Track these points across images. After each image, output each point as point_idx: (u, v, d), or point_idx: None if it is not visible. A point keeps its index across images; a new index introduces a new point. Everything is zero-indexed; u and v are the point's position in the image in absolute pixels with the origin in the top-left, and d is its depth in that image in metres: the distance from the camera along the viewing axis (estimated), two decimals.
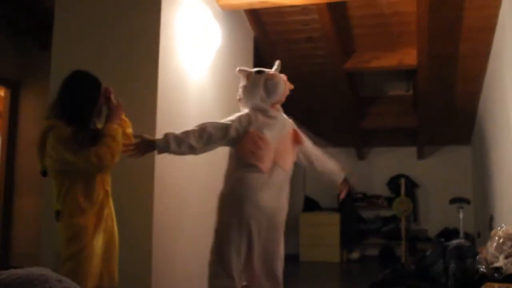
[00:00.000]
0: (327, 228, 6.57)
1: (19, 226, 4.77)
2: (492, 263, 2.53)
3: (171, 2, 3.18)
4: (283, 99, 2.61)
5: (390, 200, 6.65)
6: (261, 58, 4.78)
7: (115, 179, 2.38)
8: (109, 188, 2.31)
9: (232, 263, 2.40)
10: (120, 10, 3.13)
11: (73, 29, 3.20)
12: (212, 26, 3.70)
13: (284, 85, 2.58)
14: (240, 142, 2.46)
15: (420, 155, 6.82)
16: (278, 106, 2.59)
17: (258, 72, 2.56)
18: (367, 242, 6.77)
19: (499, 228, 2.78)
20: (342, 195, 2.97)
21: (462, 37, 4.54)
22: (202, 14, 3.60)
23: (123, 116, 2.41)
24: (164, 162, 2.95)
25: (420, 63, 4.82)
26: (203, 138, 2.39)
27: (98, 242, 2.21)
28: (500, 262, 2.49)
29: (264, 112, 2.51)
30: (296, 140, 2.59)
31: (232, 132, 2.44)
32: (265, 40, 4.88)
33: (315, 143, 2.75)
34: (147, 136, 2.42)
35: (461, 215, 5.13)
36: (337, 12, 4.52)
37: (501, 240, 2.62)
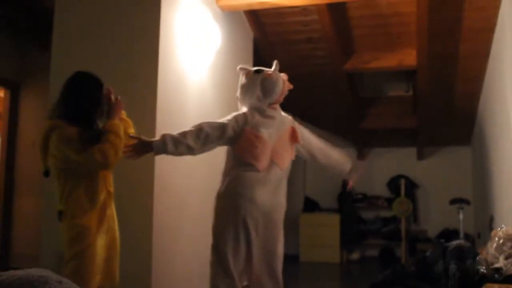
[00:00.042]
0: (327, 229, 6.57)
1: (19, 227, 4.76)
2: (492, 263, 2.53)
3: (171, 3, 3.19)
4: (281, 99, 2.60)
5: (390, 201, 6.65)
6: (260, 59, 4.78)
7: (115, 180, 2.38)
8: (111, 189, 2.32)
9: (231, 262, 2.40)
10: (120, 10, 3.13)
11: (73, 29, 3.20)
12: (211, 27, 3.70)
13: (282, 85, 2.57)
14: (237, 141, 2.47)
15: (420, 156, 6.82)
16: (276, 106, 2.58)
17: (256, 71, 2.56)
18: (367, 242, 6.77)
19: (499, 229, 2.77)
20: (351, 184, 2.90)
21: (462, 37, 4.54)
22: (201, 14, 3.60)
23: (125, 116, 2.42)
24: (164, 162, 2.95)
25: (420, 63, 4.82)
26: (201, 138, 2.40)
27: (101, 242, 2.22)
28: (500, 263, 2.49)
29: (261, 112, 2.51)
30: (293, 138, 2.57)
31: (229, 131, 2.44)
32: (264, 41, 4.88)
33: (319, 135, 2.72)
34: (144, 137, 2.42)
35: (461, 216, 5.13)
36: (337, 13, 4.52)
37: (501, 241, 2.62)
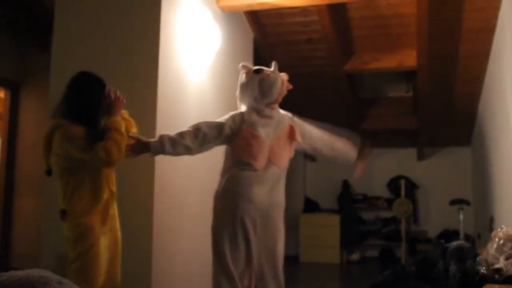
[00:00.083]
0: (327, 229, 6.57)
1: (19, 227, 4.76)
2: (492, 264, 2.53)
3: (171, 3, 3.19)
4: (280, 99, 2.60)
5: (390, 202, 6.65)
6: (260, 59, 4.78)
7: (115, 180, 2.38)
8: (114, 188, 2.33)
9: (230, 262, 2.40)
10: (120, 10, 3.13)
11: (73, 29, 3.20)
12: (211, 28, 3.71)
13: (281, 85, 2.56)
14: (234, 140, 2.47)
15: (420, 157, 6.82)
16: (275, 106, 2.58)
17: (256, 71, 2.56)
18: (367, 243, 6.77)
19: (499, 230, 2.77)
20: (359, 171, 2.82)
21: (461, 38, 4.54)
22: (201, 15, 3.60)
23: (127, 116, 2.43)
24: (164, 162, 2.95)
25: (420, 64, 4.82)
26: (198, 138, 2.42)
27: (104, 243, 2.23)
28: (501, 264, 2.49)
29: (258, 111, 2.52)
30: (292, 137, 2.57)
31: (227, 130, 2.45)
32: (265, 41, 4.89)
33: (321, 127, 2.69)
34: (142, 137, 2.43)
35: (461, 217, 5.13)
36: (337, 14, 4.52)
37: (501, 242, 2.62)
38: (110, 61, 3.05)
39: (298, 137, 2.57)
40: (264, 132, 2.48)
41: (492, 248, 2.63)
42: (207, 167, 3.33)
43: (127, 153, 2.36)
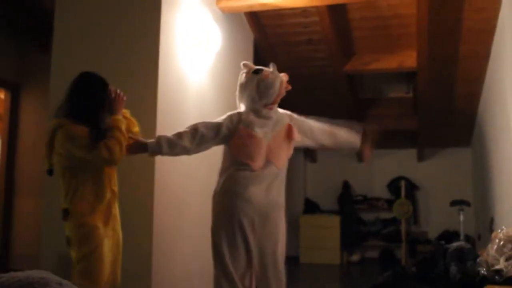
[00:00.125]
0: (327, 230, 6.56)
1: (19, 228, 4.76)
2: (492, 265, 2.53)
3: (171, 4, 3.19)
4: (278, 100, 2.59)
5: (390, 202, 6.64)
6: (261, 60, 4.78)
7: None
8: (115, 188, 2.33)
9: (229, 262, 2.39)
10: (120, 11, 3.14)
11: (73, 30, 3.20)
12: (212, 28, 3.71)
13: (279, 87, 2.56)
14: (231, 140, 2.47)
15: (420, 157, 6.82)
16: (273, 106, 2.57)
17: (255, 71, 2.56)
18: (367, 244, 6.76)
19: (499, 230, 2.77)
20: (368, 154, 2.81)
21: (462, 39, 4.54)
22: (202, 16, 3.60)
23: (128, 115, 2.44)
24: (164, 163, 2.95)
25: (420, 65, 4.82)
26: (196, 138, 2.43)
27: (108, 243, 2.23)
28: (501, 265, 2.48)
29: (256, 112, 2.52)
30: (289, 136, 2.56)
31: (224, 130, 2.46)
32: (265, 42, 4.89)
33: (322, 120, 2.70)
34: (140, 138, 2.45)
35: (461, 218, 5.13)
36: (337, 15, 4.52)
37: (501, 243, 2.61)
38: (110, 62, 3.05)
39: (296, 136, 2.56)
40: (262, 132, 2.48)
41: (492, 249, 2.63)
42: (207, 167, 3.33)
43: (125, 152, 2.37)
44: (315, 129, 2.66)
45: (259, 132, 2.47)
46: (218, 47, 3.80)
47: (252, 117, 2.50)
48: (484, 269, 2.55)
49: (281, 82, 2.57)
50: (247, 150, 2.44)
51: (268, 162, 2.47)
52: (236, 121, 2.49)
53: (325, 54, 5.04)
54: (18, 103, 4.92)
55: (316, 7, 4.27)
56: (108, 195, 2.27)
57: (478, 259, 2.65)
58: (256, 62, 4.55)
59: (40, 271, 0.89)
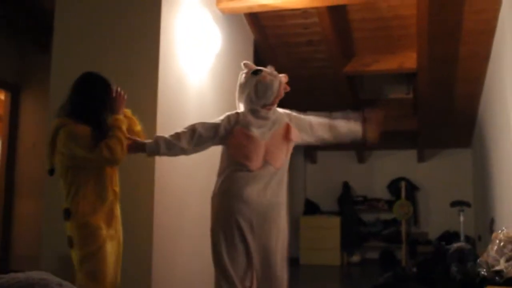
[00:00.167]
0: (327, 231, 6.56)
1: (20, 228, 4.76)
2: (493, 266, 2.53)
3: (171, 4, 3.19)
4: (277, 101, 2.59)
5: (390, 203, 6.64)
6: (261, 61, 4.78)
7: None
8: (117, 189, 2.34)
9: (228, 263, 2.39)
10: (120, 11, 3.14)
11: (73, 30, 3.20)
12: (212, 29, 3.71)
13: (278, 88, 2.56)
14: (229, 140, 2.48)
15: (421, 158, 6.82)
16: (271, 107, 2.57)
17: (254, 72, 2.56)
18: (368, 245, 6.76)
19: (500, 231, 2.77)
20: (373, 138, 2.76)
21: (462, 39, 4.54)
22: (202, 17, 3.61)
23: (130, 114, 2.45)
24: (164, 163, 2.95)
25: (420, 66, 4.83)
26: (194, 139, 2.44)
27: (111, 244, 2.23)
28: (501, 265, 2.48)
29: (254, 112, 2.52)
30: (287, 136, 2.55)
31: (222, 131, 2.47)
32: (265, 43, 4.89)
33: (319, 114, 2.69)
34: (139, 139, 2.45)
35: (461, 218, 5.13)
36: (338, 16, 4.52)
37: (502, 243, 2.61)
38: (110, 62, 3.05)
39: (294, 136, 2.56)
40: (259, 133, 2.48)
41: (492, 250, 2.63)
42: (207, 167, 3.33)
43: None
44: (314, 125, 2.66)
45: (256, 132, 2.47)
46: (218, 48, 3.80)
47: (250, 117, 2.50)
48: (485, 270, 2.55)
49: (280, 83, 2.57)
50: (244, 151, 2.45)
51: (265, 162, 2.47)
52: (234, 121, 2.49)
53: (325, 55, 5.04)
54: (18, 104, 4.92)
55: (316, 8, 4.27)
56: (110, 196, 2.27)
57: (478, 260, 2.66)
58: (256, 63, 4.54)
59: (41, 272, 0.89)
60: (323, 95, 5.77)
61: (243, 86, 2.56)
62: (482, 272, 2.55)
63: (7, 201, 4.78)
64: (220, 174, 2.52)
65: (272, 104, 2.56)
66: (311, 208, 6.97)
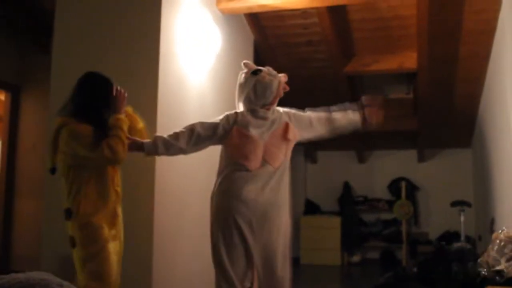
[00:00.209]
0: (328, 231, 6.56)
1: (20, 229, 4.76)
2: (493, 266, 2.53)
3: (171, 5, 3.19)
4: (276, 101, 2.59)
5: (391, 203, 6.64)
6: (261, 61, 4.78)
7: None
8: (119, 189, 2.34)
9: (227, 263, 2.39)
10: (120, 11, 3.14)
11: (73, 30, 3.20)
12: (212, 30, 3.71)
13: (277, 88, 2.56)
14: (227, 140, 2.48)
15: (421, 158, 6.82)
16: (270, 107, 2.57)
17: (254, 72, 2.56)
18: (368, 245, 6.76)
19: (500, 231, 2.77)
20: (374, 119, 2.73)
21: (462, 39, 4.54)
22: (202, 17, 3.61)
23: (131, 112, 2.45)
24: (164, 163, 2.95)
25: (420, 66, 4.83)
26: (192, 139, 2.46)
27: (114, 243, 2.23)
28: (502, 265, 2.48)
29: (253, 112, 2.52)
30: (286, 135, 2.55)
31: (220, 131, 2.48)
32: (265, 43, 4.89)
33: (316, 110, 2.69)
34: (138, 139, 2.46)
35: (462, 218, 5.13)
36: (337, 16, 4.52)
37: (502, 243, 2.61)
38: (110, 62, 3.05)
39: (292, 136, 2.56)
40: (257, 132, 2.48)
41: (493, 250, 2.63)
42: (207, 167, 3.33)
43: None
44: (314, 121, 2.65)
45: (254, 132, 2.47)
46: (218, 48, 3.81)
47: (249, 117, 2.50)
48: (485, 269, 2.55)
49: (279, 83, 2.57)
50: (242, 150, 2.45)
51: (264, 162, 2.47)
52: (233, 121, 2.50)
53: (325, 55, 5.04)
54: (18, 104, 4.92)
55: (316, 8, 4.27)
56: (112, 196, 2.27)
57: (478, 260, 2.66)
58: (256, 63, 4.54)
59: (41, 273, 0.89)
60: (323, 95, 5.77)
61: (242, 86, 2.56)
62: (483, 272, 2.55)
63: (7, 201, 4.78)
64: (219, 173, 2.53)
65: (271, 104, 2.56)
66: (311, 208, 6.97)
